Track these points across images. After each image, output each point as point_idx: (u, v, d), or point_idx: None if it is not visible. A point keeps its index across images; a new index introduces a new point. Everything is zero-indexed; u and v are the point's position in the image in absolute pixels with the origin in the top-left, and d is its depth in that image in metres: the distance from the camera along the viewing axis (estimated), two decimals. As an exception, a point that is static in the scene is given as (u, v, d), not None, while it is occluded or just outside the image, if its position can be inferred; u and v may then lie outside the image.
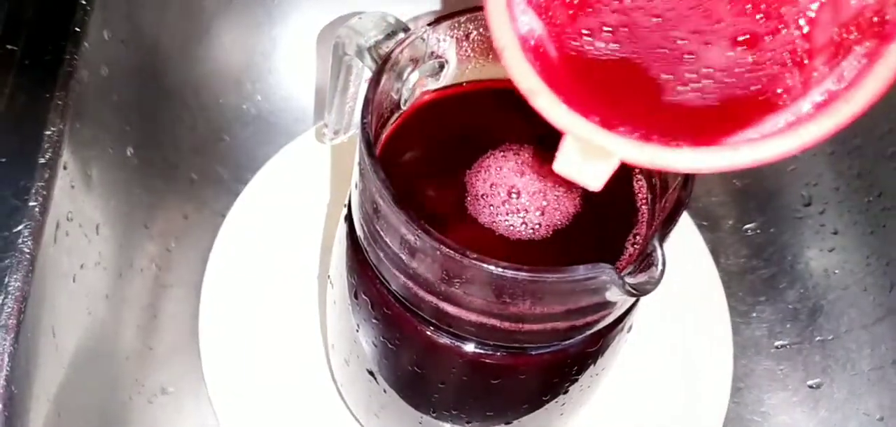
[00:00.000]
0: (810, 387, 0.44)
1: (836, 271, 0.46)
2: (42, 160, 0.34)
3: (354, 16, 0.30)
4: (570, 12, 0.22)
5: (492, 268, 0.23)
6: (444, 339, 0.28)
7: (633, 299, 0.29)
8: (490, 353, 0.28)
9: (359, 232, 0.29)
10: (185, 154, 0.47)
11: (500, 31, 0.21)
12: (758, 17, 0.22)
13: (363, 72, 0.32)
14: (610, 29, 0.22)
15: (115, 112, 0.41)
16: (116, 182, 0.40)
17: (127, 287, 0.41)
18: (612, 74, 0.21)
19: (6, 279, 0.31)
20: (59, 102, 0.35)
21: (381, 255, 0.27)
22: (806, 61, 0.22)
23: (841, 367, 0.44)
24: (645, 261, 0.23)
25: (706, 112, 0.21)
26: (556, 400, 0.32)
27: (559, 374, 0.30)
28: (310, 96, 0.51)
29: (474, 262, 0.24)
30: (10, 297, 0.31)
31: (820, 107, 0.21)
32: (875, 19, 0.21)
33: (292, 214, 0.46)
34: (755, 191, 0.49)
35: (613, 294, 0.25)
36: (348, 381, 0.37)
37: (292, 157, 0.48)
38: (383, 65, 0.28)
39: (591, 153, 0.19)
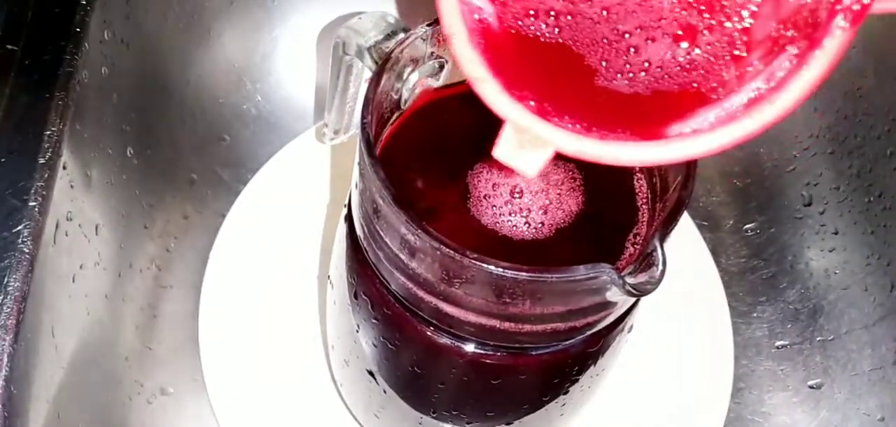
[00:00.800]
0: (811, 387, 0.44)
1: (837, 271, 0.46)
2: (42, 160, 0.34)
3: (354, 16, 0.30)
4: None
5: (492, 268, 0.23)
6: (445, 340, 0.28)
7: (634, 299, 0.29)
8: (490, 353, 0.28)
9: (359, 232, 0.29)
10: (185, 154, 0.47)
11: (449, 19, 0.21)
12: (701, 9, 0.22)
13: (363, 72, 0.32)
14: (554, 14, 0.22)
15: (115, 112, 0.41)
16: (116, 182, 0.40)
17: (127, 287, 0.41)
18: (553, 59, 0.22)
19: (6, 279, 0.31)
20: (59, 102, 0.35)
21: (381, 255, 0.27)
22: (743, 55, 0.22)
23: (841, 368, 0.44)
24: (645, 261, 0.23)
25: (642, 104, 0.21)
26: (556, 400, 0.31)
27: (559, 374, 0.30)
28: (310, 96, 0.51)
29: (474, 262, 0.24)
30: (9, 297, 0.31)
31: (748, 106, 0.21)
32: (809, 19, 0.21)
33: (292, 214, 0.46)
34: (756, 191, 0.49)
35: (614, 294, 0.25)
36: (348, 382, 0.37)
37: (292, 157, 0.48)
38: (383, 65, 0.28)
39: (528, 141, 0.19)
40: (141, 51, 0.43)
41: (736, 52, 0.22)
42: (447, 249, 0.24)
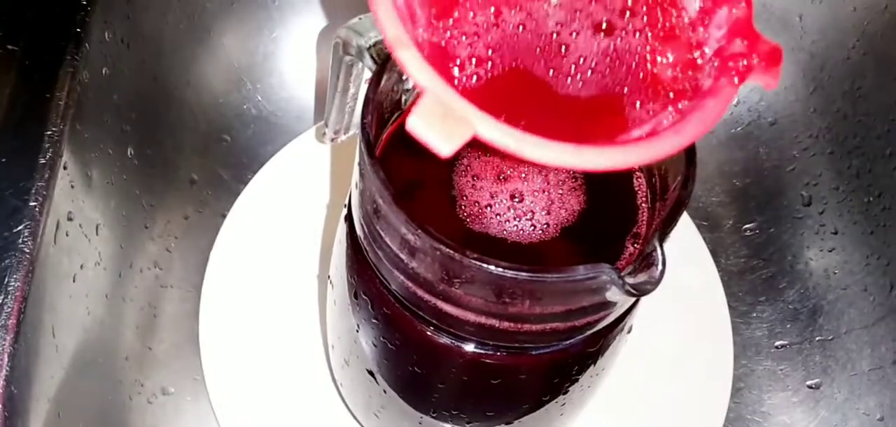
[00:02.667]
0: (810, 387, 0.44)
1: (836, 271, 0.46)
2: (42, 160, 0.34)
3: (355, 16, 0.30)
4: (442, 35, 0.22)
5: (491, 268, 0.23)
6: (445, 340, 0.28)
7: (634, 299, 0.29)
8: (490, 353, 0.28)
9: (359, 232, 0.29)
10: (185, 154, 0.47)
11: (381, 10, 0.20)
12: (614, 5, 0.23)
13: (363, 72, 0.32)
14: (480, 58, 0.22)
15: (116, 112, 0.41)
16: (117, 182, 0.40)
17: (127, 287, 0.41)
18: (500, 89, 0.22)
19: (6, 279, 0.31)
20: (60, 102, 0.35)
21: (381, 255, 0.27)
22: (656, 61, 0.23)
23: (841, 368, 0.44)
24: (645, 261, 0.23)
25: (595, 108, 0.22)
26: (556, 400, 0.31)
27: (559, 374, 0.30)
28: (310, 96, 0.51)
29: (474, 262, 0.24)
30: (9, 296, 0.31)
31: (676, 120, 0.22)
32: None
33: (292, 214, 0.46)
34: (755, 191, 0.49)
35: (613, 294, 0.25)
36: (348, 382, 0.37)
37: (292, 158, 0.48)
38: (383, 65, 0.28)
39: (447, 118, 0.18)
40: (141, 51, 0.43)
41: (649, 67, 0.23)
42: (447, 249, 0.24)
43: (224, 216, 0.46)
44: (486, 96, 0.22)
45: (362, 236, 0.29)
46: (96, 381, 0.37)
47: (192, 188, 0.47)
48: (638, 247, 0.29)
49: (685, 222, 0.47)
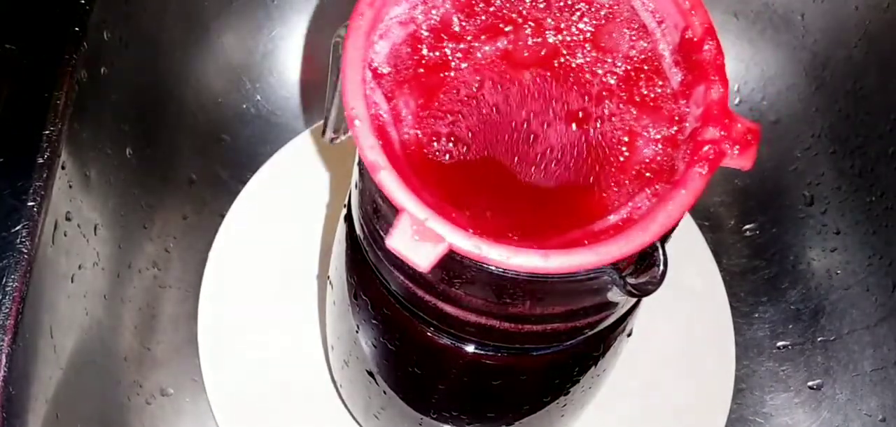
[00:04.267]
0: (812, 388, 0.44)
1: (839, 271, 0.45)
2: (40, 160, 0.34)
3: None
4: (417, 111, 0.23)
5: (492, 267, 0.23)
6: (445, 340, 0.28)
7: (635, 300, 0.29)
8: (491, 353, 0.28)
9: (358, 232, 0.29)
10: (184, 154, 0.47)
11: (353, 101, 0.22)
12: (585, 98, 0.24)
13: (363, 71, 0.32)
14: (458, 138, 0.23)
15: (114, 112, 0.41)
16: (115, 182, 0.40)
17: (125, 288, 0.41)
18: (465, 172, 0.23)
19: (4, 279, 0.31)
20: (58, 102, 0.35)
21: (381, 255, 0.27)
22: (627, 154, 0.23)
23: (843, 368, 0.43)
24: (646, 261, 0.23)
25: (561, 198, 0.23)
26: (557, 401, 0.31)
27: (560, 375, 0.30)
28: (309, 96, 0.51)
29: (474, 261, 0.23)
30: (7, 297, 0.31)
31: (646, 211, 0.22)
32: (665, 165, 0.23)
33: (292, 215, 0.46)
34: (757, 191, 0.49)
35: (615, 294, 0.25)
36: (348, 383, 0.37)
37: (292, 157, 0.48)
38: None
39: (424, 235, 0.20)
40: (140, 51, 0.43)
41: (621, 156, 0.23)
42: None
43: (223, 216, 0.46)
44: (464, 177, 0.23)
45: (362, 236, 0.29)
46: (95, 382, 0.37)
47: (191, 188, 0.47)
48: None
49: (687, 222, 0.47)
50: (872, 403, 0.42)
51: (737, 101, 0.50)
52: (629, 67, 0.24)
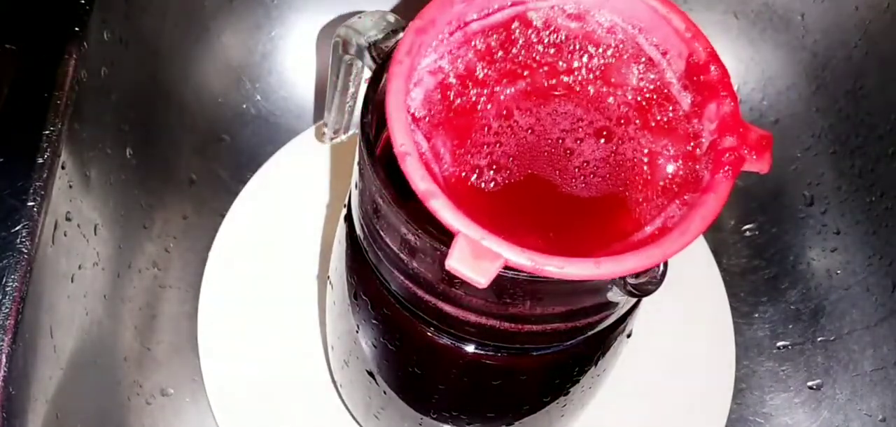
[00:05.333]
0: (812, 388, 0.44)
1: (839, 271, 0.45)
2: (40, 160, 0.34)
3: (354, 15, 0.30)
4: (464, 159, 0.25)
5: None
6: (445, 340, 0.28)
7: (635, 300, 0.29)
8: (491, 353, 0.28)
9: (359, 232, 0.29)
10: (184, 154, 0.47)
11: (401, 138, 0.23)
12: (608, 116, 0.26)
13: (363, 71, 0.32)
14: (498, 165, 0.25)
15: (114, 112, 0.41)
16: (115, 182, 0.40)
17: (125, 288, 0.41)
18: (518, 194, 0.25)
19: (4, 279, 0.31)
20: (58, 102, 0.35)
21: (381, 255, 0.27)
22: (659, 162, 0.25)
23: (843, 368, 0.43)
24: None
25: (600, 209, 0.24)
26: (556, 401, 0.31)
27: (560, 375, 0.30)
28: (309, 96, 0.51)
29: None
30: (7, 297, 0.31)
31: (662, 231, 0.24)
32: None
33: (292, 214, 0.46)
34: (757, 191, 0.49)
35: (615, 295, 0.25)
36: (348, 383, 0.37)
37: (292, 157, 0.48)
38: (383, 64, 0.28)
39: (479, 255, 0.21)
40: (140, 50, 0.43)
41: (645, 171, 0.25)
42: (447, 249, 0.24)
43: (223, 216, 0.46)
44: (507, 201, 0.24)
45: (362, 236, 0.29)
46: (95, 382, 0.37)
47: (191, 188, 0.47)
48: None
49: (686, 222, 0.47)
50: (872, 403, 0.42)
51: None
52: (640, 98, 0.26)
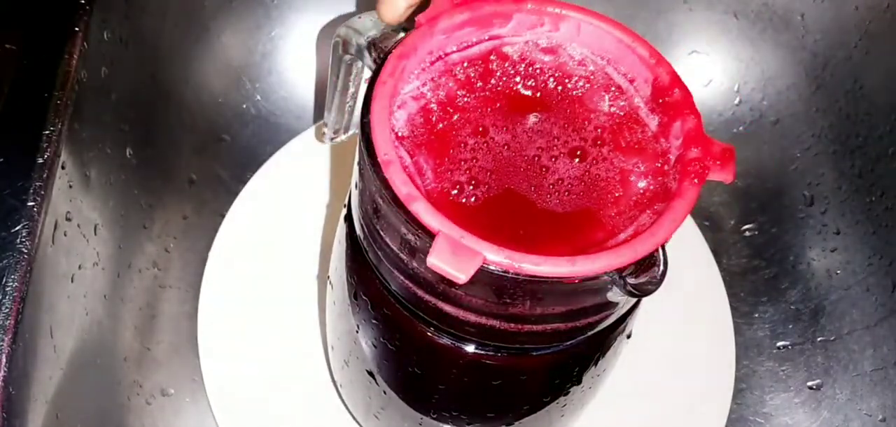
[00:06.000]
0: (812, 388, 0.44)
1: (839, 271, 0.45)
2: (40, 160, 0.34)
3: (354, 15, 0.30)
4: (445, 176, 0.27)
5: (492, 268, 0.23)
6: (445, 340, 0.28)
7: (635, 300, 0.29)
8: (491, 354, 0.28)
9: (359, 232, 0.29)
10: (184, 154, 0.47)
11: (385, 148, 0.25)
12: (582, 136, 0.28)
13: (363, 71, 0.32)
14: (477, 180, 0.26)
15: (114, 112, 0.41)
16: (115, 182, 0.40)
17: (125, 287, 0.41)
18: (497, 208, 0.26)
19: (4, 279, 0.31)
20: (58, 102, 0.35)
21: (381, 255, 0.27)
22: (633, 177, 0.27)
23: (843, 368, 0.43)
24: (646, 261, 0.23)
25: (566, 218, 0.26)
26: (557, 401, 0.31)
27: (560, 375, 0.30)
28: (309, 96, 0.51)
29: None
30: (7, 297, 0.31)
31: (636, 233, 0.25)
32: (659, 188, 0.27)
33: (292, 214, 0.46)
34: (757, 191, 0.49)
35: (615, 295, 0.25)
36: (348, 382, 0.37)
37: (292, 157, 0.48)
38: (383, 64, 0.28)
39: (458, 253, 0.23)
40: (140, 50, 0.43)
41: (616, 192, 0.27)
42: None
43: (223, 216, 0.46)
44: (486, 214, 0.26)
45: (362, 236, 0.29)
46: (95, 382, 0.37)
47: (191, 188, 0.47)
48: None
49: (687, 223, 0.47)
50: (872, 403, 0.42)
51: (737, 101, 0.50)
52: (611, 122, 0.28)
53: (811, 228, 0.47)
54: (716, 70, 0.50)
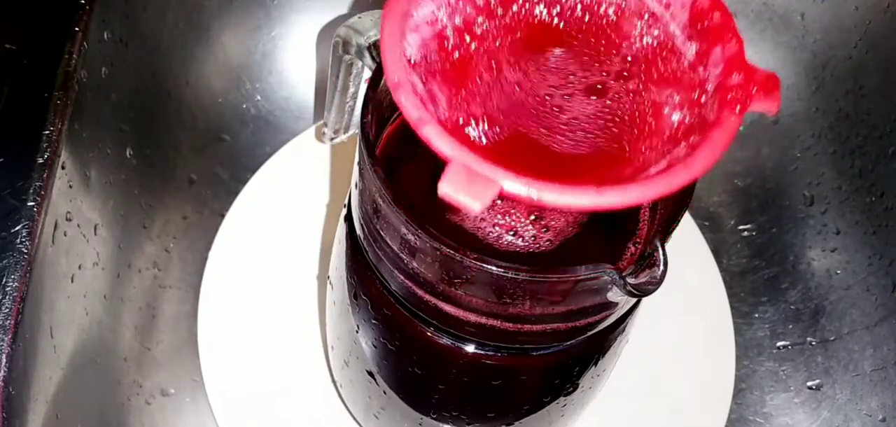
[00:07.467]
0: (812, 388, 0.44)
1: (839, 271, 0.45)
2: (40, 160, 0.34)
3: (354, 15, 0.30)
4: (459, 107, 0.24)
5: (492, 268, 0.23)
6: (445, 341, 0.28)
7: (635, 300, 0.29)
8: (491, 354, 0.28)
9: (359, 232, 0.29)
10: (184, 154, 0.47)
11: (395, 71, 0.23)
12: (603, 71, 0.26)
13: (363, 71, 0.32)
14: (492, 118, 0.24)
15: (114, 112, 0.41)
16: (115, 182, 0.40)
17: (125, 288, 0.41)
18: (514, 148, 0.24)
19: (4, 279, 0.31)
20: (58, 102, 0.35)
21: (381, 255, 0.27)
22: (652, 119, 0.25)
23: (843, 368, 0.43)
24: (646, 261, 0.23)
25: (583, 160, 0.24)
26: (557, 401, 0.31)
27: (560, 375, 0.30)
28: (309, 96, 0.51)
29: (475, 262, 0.23)
30: (7, 297, 0.31)
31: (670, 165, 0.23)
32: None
33: (292, 214, 0.46)
34: (757, 191, 0.49)
35: (615, 294, 0.25)
36: (348, 383, 0.37)
37: (292, 157, 0.48)
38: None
39: (473, 181, 0.20)
40: (140, 50, 0.43)
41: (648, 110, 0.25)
42: (448, 249, 0.24)
43: (223, 216, 0.46)
44: (501, 153, 0.24)
45: (362, 236, 0.29)
46: (95, 382, 0.37)
47: (191, 188, 0.47)
48: (639, 247, 0.28)
49: (687, 222, 0.47)
50: (872, 403, 0.42)
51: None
52: (643, 52, 0.26)
53: (811, 228, 0.47)
54: (716, 70, 0.50)
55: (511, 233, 0.28)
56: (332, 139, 0.36)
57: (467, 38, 0.25)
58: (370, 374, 0.33)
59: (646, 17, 0.26)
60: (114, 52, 0.41)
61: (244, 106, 0.50)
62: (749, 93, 0.23)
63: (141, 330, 0.41)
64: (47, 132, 0.34)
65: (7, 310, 0.31)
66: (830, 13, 0.47)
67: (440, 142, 0.21)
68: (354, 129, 0.35)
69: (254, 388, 0.41)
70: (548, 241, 0.28)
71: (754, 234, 0.49)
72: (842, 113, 0.47)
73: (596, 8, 0.26)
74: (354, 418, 0.40)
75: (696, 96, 0.24)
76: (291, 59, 0.50)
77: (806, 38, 0.48)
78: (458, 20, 0.25)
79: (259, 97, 0.50)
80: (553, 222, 0.29)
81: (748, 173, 0.50)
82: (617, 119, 0.25)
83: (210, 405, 0.41)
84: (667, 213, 0.25)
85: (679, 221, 0.25)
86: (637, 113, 0.25)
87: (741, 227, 0.49)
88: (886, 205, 0.44)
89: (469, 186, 0.20)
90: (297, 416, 0.41)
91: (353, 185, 0.29)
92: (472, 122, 0.24)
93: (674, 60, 0.25)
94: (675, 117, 0.24)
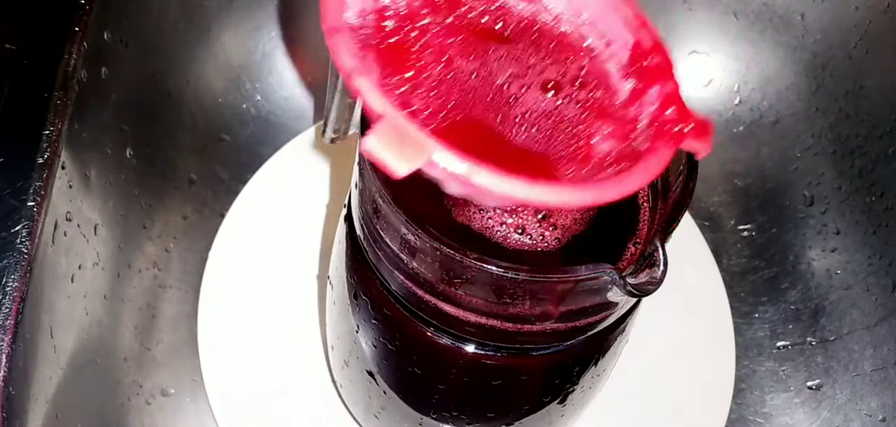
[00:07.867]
0: (812, 388, 0.44)
1: (839, 271, 0.45)
2: (40, 160, 0.34)
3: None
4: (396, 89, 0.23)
5: (492, 268, 0.23)
6: (445, 341, 0.28)
7: (635, 300, 0.29)
8: (491, 354, 0.28)
9: (358, 232, 0.29)
10: (184, 154, 0.47)
11: (331, 16, 0.21)
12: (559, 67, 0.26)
13: (363, 71, 0.32)
14: (434, 110, 0.23)
15: (114, 112, 0.41)
16: (115, 182, 0.40)
17: (125, 288, 0.41)
18: (453, 136, 0.23)
19: (4, 279, 0.31)
20: (58, 102, 0.35)
21: (381, 255, 0.27)
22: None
23: (843, 368, 0.43)
24: (646, 261, 0.23)
25: (541, 157, 0.23)
26: (556, 401, 0.31)
27: (560, 375, 0.30)
28: (309, 96, 0.51)
29: (474, 262, 0.23)
30: (7, 297, 0.31)
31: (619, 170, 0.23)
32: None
33: (292, 214, 0.46)
34: (757, 191, 0.49)
35: (615, 294, 0.25)
36: (348, 383, 0.37)
37: (292, 157, 0.48)
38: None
39: (403, 142, 0.19)
40: (140, 51, 0.43)
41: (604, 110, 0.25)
42: (447, 250, 0.24)
43: (223, 216, 0.46)
44: (449, 139, 0.23)
45: (362, 236, 0.29)
46: (94, 382, 0.37)
47: (191, 188, 0.47)
48: (639, 247, 0.28)
49: (687, 222, 0.47)
50: (872, 403, 0.42)
51: (737, 101, 0.50)
52: (581, 82, 0.26)
53: (811, 228, 0.47)
54: (716, 70, 0.50)
55: (519, 231, 0.28)
56: (332, 139, 0.36)
57: (409, 25, 0.24)
58: (370, 374, 0.33)
59: (584, 49, 0.26)
60: (114, 52, 0.41)
61: (244, 106, 0.50)
62: (682, 133, 0.23)
63: (141, 330, 0.41)
64: (47, 132, 0.34)
65: (7, 310, 0.31)
66: (830, 13, 0.47)
67: (373, 96, 0.20)
68: (354, 130, 0.35)
69: (254, 388, 0.41)
70: (556, 238, 0.28)
71: (754, 234, 0.49)
72: (842, 113, 0.47)
73: (537, 29, 0.26)
74: (354, 418, 0.40)
75: (627, 130, 0.25)
76: (291, 60, 0.50)
77: (806, 38, 0.48)
78: (401, 4, 0.24)
79: (259, 97, 0.50)
80: (560, 220, 0.29)
81: (748, 173, 0.50)
82: (563, 126, 0.25)
83: (210, 405, 0.41)
84: (667, 213, 0.25)
85: (679, 221, 0.25)
86: (576, 128, 0.25)
87: (741, 227, 0.49)
88: (886, 205, 0.44)
89: (398, 146, 0.19)
90: (297, 416, 0.41)
91: (353, 185, 0.29)
92: (416, 100, 0.23)
93: (607, 94, 0.25)
94: (606, 147, 0.24)
